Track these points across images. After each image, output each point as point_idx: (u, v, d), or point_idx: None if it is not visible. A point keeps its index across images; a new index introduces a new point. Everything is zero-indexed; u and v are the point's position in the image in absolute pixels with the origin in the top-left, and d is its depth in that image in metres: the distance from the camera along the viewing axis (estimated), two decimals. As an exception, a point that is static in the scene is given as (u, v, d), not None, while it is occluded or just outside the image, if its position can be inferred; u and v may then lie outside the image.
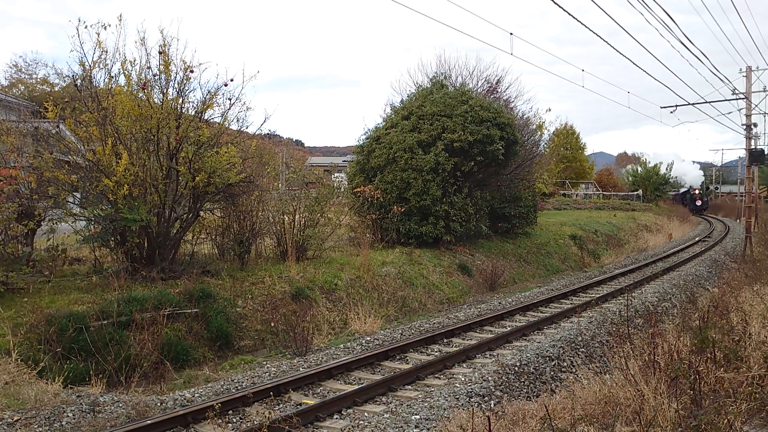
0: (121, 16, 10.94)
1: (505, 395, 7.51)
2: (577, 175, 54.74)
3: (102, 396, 7.21)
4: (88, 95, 11.09)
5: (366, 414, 6.98)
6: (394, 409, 7.01)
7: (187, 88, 11.61)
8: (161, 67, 11.27)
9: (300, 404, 7.32)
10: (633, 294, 13.48)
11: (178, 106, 11.51)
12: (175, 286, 10.48)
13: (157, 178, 11.16)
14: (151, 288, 10.24)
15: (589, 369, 7.23)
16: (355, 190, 17.40)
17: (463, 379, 8.14)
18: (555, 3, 10.25)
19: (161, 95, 11.37)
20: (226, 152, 11.38)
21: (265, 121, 37.42)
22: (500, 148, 17.38)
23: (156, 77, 11.34)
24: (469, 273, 16.91)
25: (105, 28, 10.84)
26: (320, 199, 15.02)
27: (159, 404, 7.14)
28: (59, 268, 11.14)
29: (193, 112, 11.89)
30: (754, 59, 50.87)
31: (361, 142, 18.86)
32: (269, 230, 14.38)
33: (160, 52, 11.23)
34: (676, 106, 26.82)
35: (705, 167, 76.60)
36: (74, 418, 6.48)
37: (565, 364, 9.00)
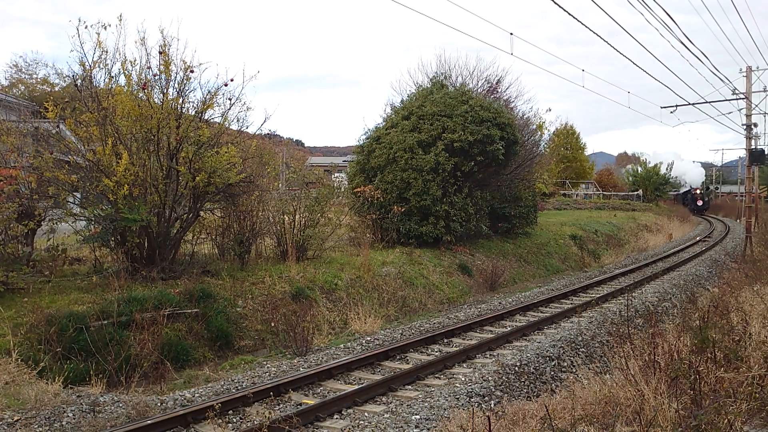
0: (121, 16, 10.96)
1: (506, 395, 7.51)
2: (577, 175, 54.74)
3: (102, 396, 7.21)
4: (89, 95, 11.09)
5: (366, 414, 6.98)
6: (394, 409, 7.01)
7: (187, 88, 11.64)
8: (161, 67, 11.28)
9: (300, 404, 7.32)
10: (633, 294, 13.48)
11: (179, 106, 11.52)
12: (175, 286, 10.49)
13: (158, 178, 11.17)
14: (151, 288, 10.24)
15: (589, 369, 7.23)
16: (356, 190, 17.40)
17: (463, 379, 8.14)
18: (555, 3, 10.26)
19: (161, 95, 11.38)
20: (226, 152, 11.39)
21: (265, 121, 37.46)
22: (500, 148, 17.39)
23: (156, 77, 11.35)
24: (469, 273, 16.91)
25: (105, 28, 10.86)
26: (320, 199, 15.02)
27: (159, 404, 7.14)
28: (59, 268, 11.15)
29: (194, 112, 11.90)
30: (754, 59, 50.92)
31: (361, 142, 18.87)
32: (269, 230, 14.38)
33: (160, 52, 11.24)
34: (676, 106, 26.82)
35: (705, 167, 76.53)
36: (74, 418, 6.48)
37: (566, 364, 9.00)
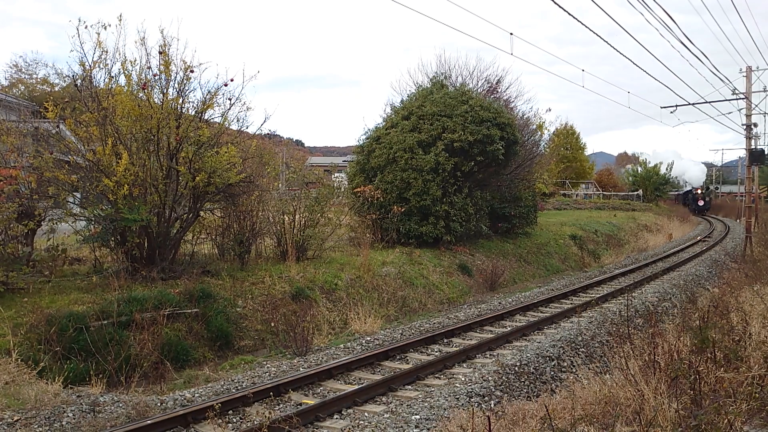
0: (121, 16, 10.95)
1: (505, 395, 7.51)
2: (577, 175, 54.75)
3: (102, 396, 7.21)
4: (88, 95, 11.09)
5: (366, 414, 6.98)
6: (394, 409, 7.01)
7: (187, 88, 11.64)
8: (161, 67, 11.28)
9: (300, 404, 7.32)
10: (633, 294, 13.48)
11: (178, 106, 11.52)
12: (175, 286, 10.49)
13: (157, 178, 11.17)
14: (151, 288, 10.24)
15: (589, 369, 7.23)
16: (355, 190, 17.40)
17: (463, 379, 8.14)
18: (555, 3, 10.26)
19: (161, 95, 11.38)
20: (226, 152, 11.39)
21: (265, 121, 37.43)
22: (500, 148, 17.39)
23: (156, 77, 11.35)
24: (469, 273, 16.91)
25: (105, 28, 10.86)
26: (320, 199, 15.02)
27: (159, 404, 7.14)
28: (59, 268, 11.15)
29: (193, 112, 11.90)
30: (754, 59, 50.92)
31: (361, 142, 18.87)
32: (269, 230, 14.38)
33: (160, 52, 11.24)
34: (676, 106, 26.82)
35: (706, 166, 76.53)
36: (74, 418, 6.48)
37: (565, 364, 9.00)
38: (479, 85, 24.95)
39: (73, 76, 11.97)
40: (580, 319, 11.81)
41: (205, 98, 11.88)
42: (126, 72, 11.16)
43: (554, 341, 9.82)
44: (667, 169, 58.55)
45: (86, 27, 10.80)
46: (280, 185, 18.06)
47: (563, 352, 9.31)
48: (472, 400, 7.17)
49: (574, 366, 8.52)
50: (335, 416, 6.97)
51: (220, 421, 6.45)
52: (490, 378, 7.93)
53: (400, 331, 11.23)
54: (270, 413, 5.70)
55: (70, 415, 6.53)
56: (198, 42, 55.43)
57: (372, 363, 9.08)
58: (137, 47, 11.51)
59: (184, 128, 11.19)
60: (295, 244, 13.95)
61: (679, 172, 63.37)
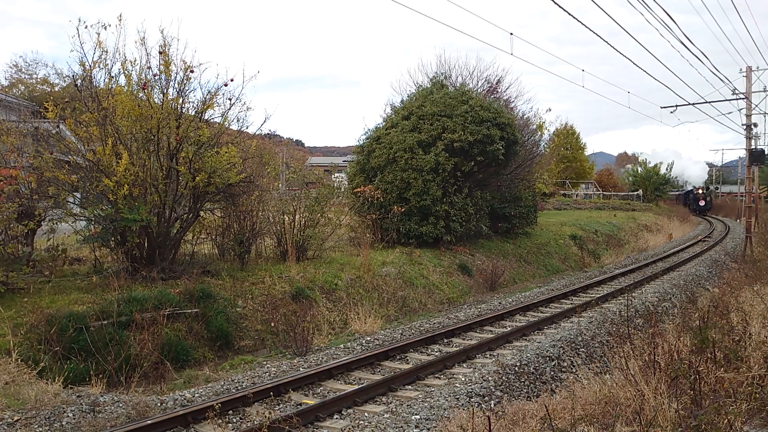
0: (121, 16, 10.96)
1: (505, 395, 7.51)
2: (577, 175, 54.75)
3: (102, 396, 7.21)
4: (88, 95, 11.09)
5: (366, 414, 6.98)
6: (394, 409, 7.01)
7: (187, 88, 11.64)
8: (161, 67, 11.28)
9: (300, 404, 7.32)
10: (633, 294, 13.48)
11: (179, 106, 11.52)
12: (175, 286, 10.49)
13: (157, 178, 11.17)
14: (151, 288, 10.24)
15: (589, 369, 7.23)
16: (355, 190, 17.41)
17: (463, 379, 8.14)
18: (555, 3, 10.26)
19: (161, 95, 11.38)
20: (226, 152, 11.39)
21: (265, 121, 37.48)
22: (500, 148, 17.39)
23: (156, 77, 11.35)
24: (469, 273, 16.91)
25: (105, 28, 10.86)
26: (320, 199, 15.02)
27: (159, 404, 7.14)
28: (59, 268, 11.15)
29: (193, 112, 11.90)
30: (754, 59, 50.94)
31: (361, 142, 18.87)
32: (269, 230, 14.38)
33: (160, 52, 11.24)
34: (676, 106, 26.82)
35: (707, 165, 76.60)
36: (74, 418, 6.48)
37: (566, 364, 8.99)
38: (479, 85, 24.98)
39: (73, 76, 11.98)
40: (580, 319, 11.81)
41: (205, 98, 11.90)
42: (126, 72, 11.18)
43: (554, 341, 9.82)
44: (667, 169, 58.59)
45: (86, 27, 10.82)
46: (280, 185, 18.06)
47: (563, 352, 9.31)
48: (472, 400, 7.16)
49: (574, 366, 8.52)
50: (335, 416, 6.97)
51: (220, 421, 6.45)
52: (490, 378, 7.93)
53: (400, 331, 11.23)
54: (270, 413, 5.70)
55: (70, 415, 6.53)
56: (198, 42, 55.51)
57: (372, 363, 9.08)
58: (137, 47, 11.54)
59: (184, 128, 11.19)
60: (295, 244, 13.96)
61: (679, 172, 63.41)
